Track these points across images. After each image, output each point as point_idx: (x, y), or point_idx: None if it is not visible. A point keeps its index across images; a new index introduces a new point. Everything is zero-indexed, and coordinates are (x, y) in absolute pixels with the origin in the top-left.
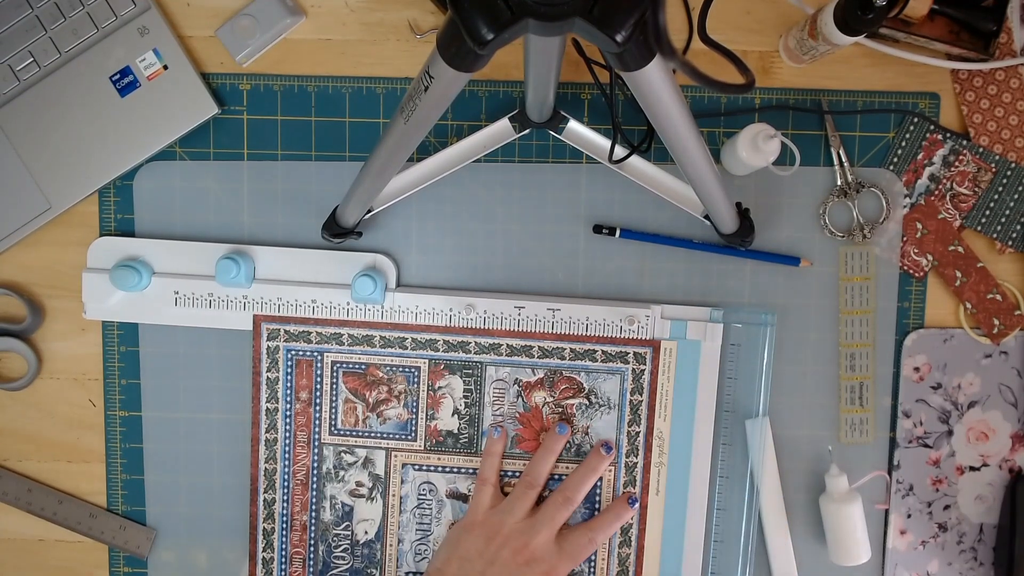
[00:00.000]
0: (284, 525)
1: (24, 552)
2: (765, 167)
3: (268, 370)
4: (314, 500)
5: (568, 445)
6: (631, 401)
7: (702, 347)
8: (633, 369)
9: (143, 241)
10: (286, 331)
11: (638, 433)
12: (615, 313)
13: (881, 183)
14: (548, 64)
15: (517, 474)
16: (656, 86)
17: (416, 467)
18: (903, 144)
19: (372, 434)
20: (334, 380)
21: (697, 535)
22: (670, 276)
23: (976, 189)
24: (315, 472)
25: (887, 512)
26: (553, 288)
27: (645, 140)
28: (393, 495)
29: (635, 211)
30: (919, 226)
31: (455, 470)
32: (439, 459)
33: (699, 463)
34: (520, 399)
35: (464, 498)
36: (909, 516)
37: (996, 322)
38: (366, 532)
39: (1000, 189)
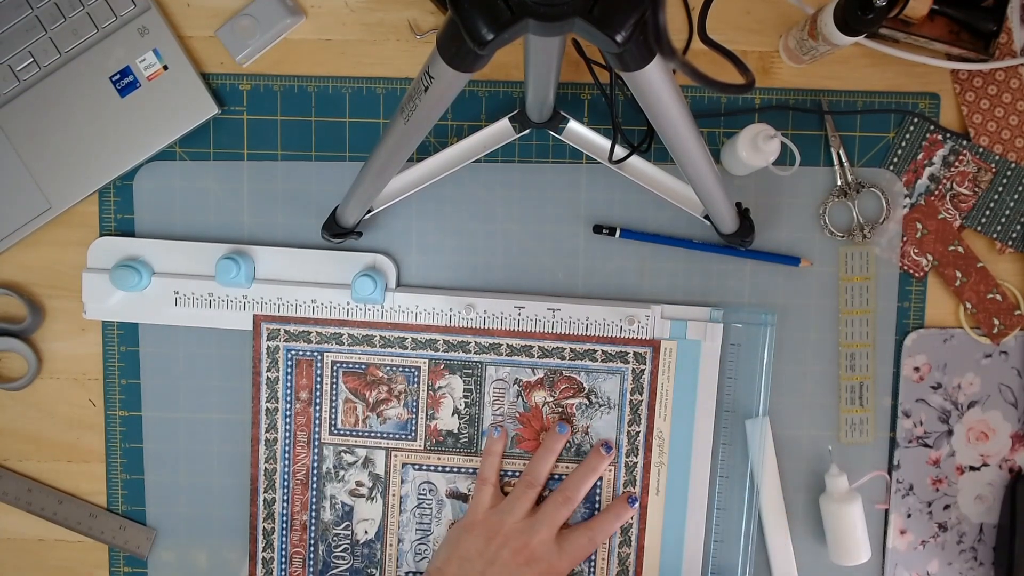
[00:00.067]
0: (284, 525)
1: (24, 552)
2: (765, 167)
3: (268, 370)
4: (314, 500)
5: (568, 445)
6: (631, 401)
7: (702, 347)
8: (633, 369)
9: (143, 241)
10: (286, 331)
11: (638, 433)
12: (615, 313)
13: (881, 183)
14: (548, 64)
15: (517, 474)
16: (656, 86)
17: (416, 467)
18: (903, 144)
19: (372, 434)
20: (334, 380)
21: (697, 535)
22: (670, 276)
23: (976, 189)
24: (315, 472)
25: (887, 512)
26: (553, 288)
27: (645, 140)
28: (393, 495)
29: (635, 211)
30: (919, 226)
31: (455, 470)
32: (439, 459)
33: (699, 463)
34: (520, 399)
35: (464, 498)
36: (909, 516)
37: (996, 322)
38: (366, 532)
39: (1000, 189)
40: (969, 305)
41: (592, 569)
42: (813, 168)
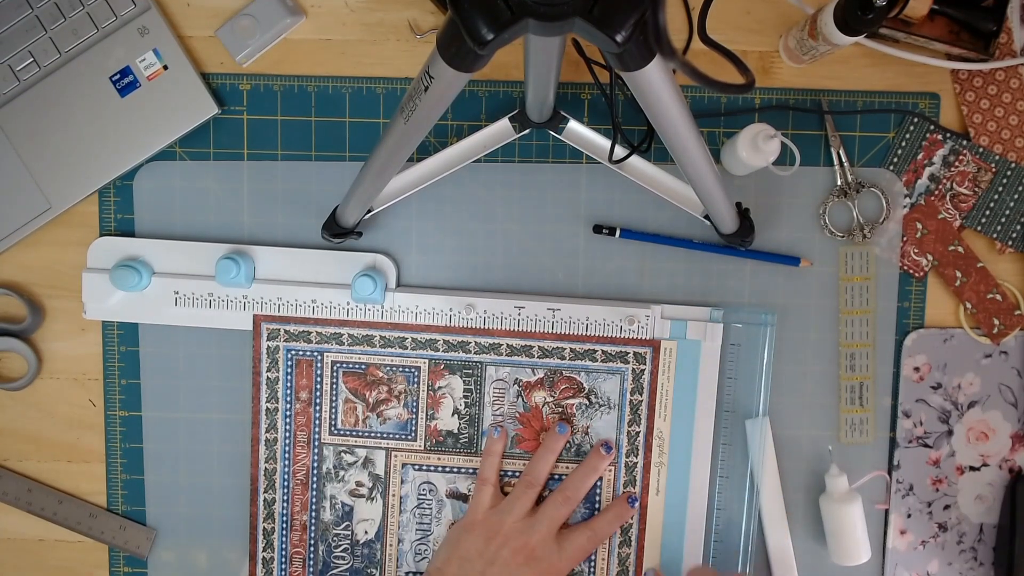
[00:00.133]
0: (284, 525)
1: (24, 552)
2: (765, 167)
3: (268, 370)
4: (314, 500)
5: (568, 445)
6: (631, 401)
7: (702, 347)
8: (633, 369)
9: (143, 241)
10: (286, 331)
11: (638, 433)
12: (615, 313)
13: (881, 183)
14: (548, 64)
15: (517, 474)
16: (656, 86)
17: (416, 467)
18: (903, 144)
19: (372, 434)
20: (334, 380)
21: (697, 535)
22: (670, 276)
23: (976, 189)
24: (315, 472)
25: (887, 512)
26: (553, 288)
27: (645, 140)
28: (393, 495)
29: (635, 211)
30: (919, 226)
31: (455, 470)
32: (439, 459)
33: (699, 463)
34: (520, 399)
35: (464, 498)
36: (909, 516)
37: (996, 322)
38: (366, 532)
39: (1000, 189)
40: (969, 305)
41: (592, 569)
42: (813, 168)
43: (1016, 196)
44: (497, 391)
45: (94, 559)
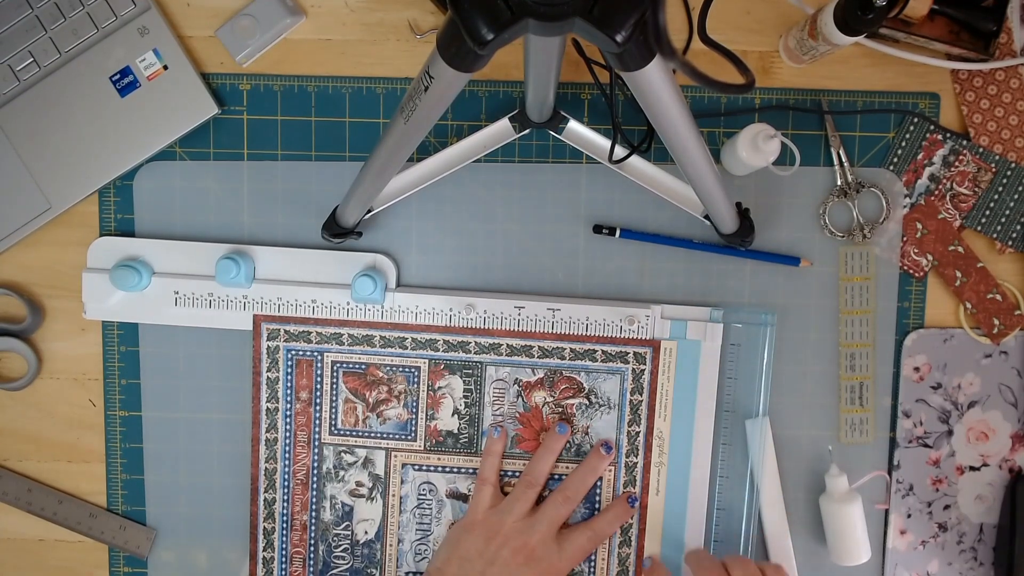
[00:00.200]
0: (284, 525)
1: (24, 552)
2: (765, 167)
3: (268, 370)
4: (314, 500)
5: (568, 445)
6: (631, 401)
7: (702, 347)
8: (633, 369)
9: (143, 241)
10: (286, 331)
11: (638, 433)
12: (615, 313)
13: (881, 183)
14: (548, 64)
15: (517, 474)
16: (656, 86)
17: (416, 467)
18: (903, 144)
19: (372, 434)
20: (334, 380)
21: (697, 535)
22: (670, 276)
23: (976, 189)
24: (315, 472)
25: (887, 512)
26: (553, 288)
27: (645, 140)
28: (393, 495)
29: (635, 211)
30: (919, 226)
31: (455, 470)
32: (439, 459)
33: (699, 463)
34: (520, 399)
35: (464, 498)
36: (909, 516)
37: (996, 322)
38: (366, 532)
39: (1000, 189)
40: (969, 305)
41: (592, 569)
42: (813, 168)
43: (1016, 196)
44: (497, 391)
45: (94, 559)
